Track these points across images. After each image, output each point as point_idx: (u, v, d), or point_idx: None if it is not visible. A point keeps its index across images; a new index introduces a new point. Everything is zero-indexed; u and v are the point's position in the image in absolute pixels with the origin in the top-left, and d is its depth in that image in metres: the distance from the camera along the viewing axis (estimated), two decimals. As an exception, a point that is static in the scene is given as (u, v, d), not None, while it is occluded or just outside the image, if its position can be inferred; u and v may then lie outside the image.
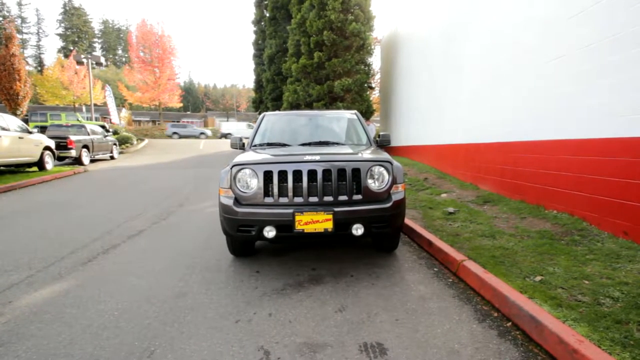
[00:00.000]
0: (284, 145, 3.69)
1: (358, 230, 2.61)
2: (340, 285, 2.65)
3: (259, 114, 21.52)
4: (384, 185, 2.76)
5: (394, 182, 2.79)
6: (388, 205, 2.69)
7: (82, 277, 2.91)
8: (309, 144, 3.65)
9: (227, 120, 53.55)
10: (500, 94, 5.54)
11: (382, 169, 2.78)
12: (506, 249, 3.20)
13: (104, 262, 3.30)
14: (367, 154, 2.94)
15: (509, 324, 2.06)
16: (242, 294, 2.55)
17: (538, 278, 2.57)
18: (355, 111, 4.34)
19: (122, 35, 70.21)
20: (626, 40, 3.24)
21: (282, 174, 2.68)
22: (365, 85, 14.09)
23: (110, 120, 26.46)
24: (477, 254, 3.05)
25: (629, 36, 3.21)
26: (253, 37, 20.62)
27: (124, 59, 66.15)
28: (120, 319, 2.20)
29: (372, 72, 14.08)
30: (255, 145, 3.80)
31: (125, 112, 37.84)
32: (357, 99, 14.14)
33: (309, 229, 2.55)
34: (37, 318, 2.22)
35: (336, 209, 2.57)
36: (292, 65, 14.29)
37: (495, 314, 2.18)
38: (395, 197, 2.76)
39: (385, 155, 2.91)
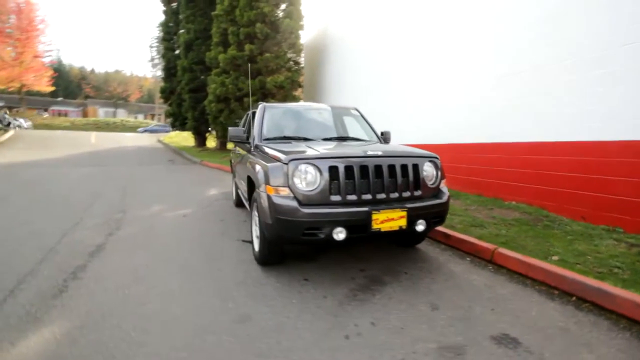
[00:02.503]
0: (305, 139, 3.40)
1: (420, 226, 2.60)
2: (406, 284, 2.60)
3: (170, 105, 19.22)
4: (436, 181, 2.82)
5: (442, 177, 2.87)
6: (444, 200, 2.76)
7: (75, 315, 2.13)
8: (331, 139, 3.46)
9: (115, 111, 46.27)
10: (454, 103, 6.25)
11: (432, 164, 2.83)
12: (505, 236, 3.64)
13: (88, 288, 2.49)
14: (414, 150, 2.94)
15: (574, 298, 2.36)
16: (316, 306, 2.25)
17: (555, 257, 3.01)
18: (355, 107, 4.30)
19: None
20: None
21: (348, 170, 2.47)
22: (296, 83, 14.05)
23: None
24: (487, 241, 3.39)
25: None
26: (162, 17, 18.25)
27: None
28: None
29: (301, 71, 14.11)
30: (268, 139, 3.39)
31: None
32: (289, 96, 14.00)
33: (385, 227, 2.42)
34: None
35: (408, 206, 2.51)
36: (218, 55, 13.23)
37: (556, 292, 2.46)
38: (446, 192, 2.85)
39: (428, 152, 2.97)
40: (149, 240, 3.69)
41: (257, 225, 3.02)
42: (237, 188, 5.09)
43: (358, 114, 4.19)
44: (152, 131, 31.65)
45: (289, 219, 2.35)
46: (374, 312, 2.16)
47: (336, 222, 2.35)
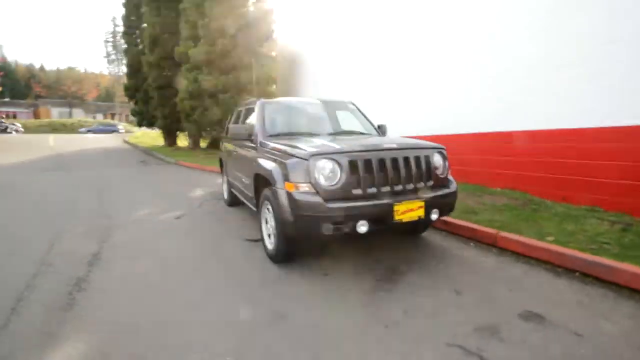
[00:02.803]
0: (311, 134, 3.39)
1: (434, 215, 2.70)
2: (423, 271, 2.69)
3: (136, 103, 18.24)
4: (444, 171, 2.93)
5: (449, 167, 2.99)
6: (454, 189, 2.88)
7: (97, 328, 2.01)
8: (336, 134, 3.48)
9: (70, 111, 43.28)
10: (436, 95, 6.45)
11: (440, 155, 2.93)
12: (499, 221, 3.85)
13: (99, 299, 2.36)
14: (423, 142, 3.03)
15: (577, 274, 2.57)
16: (345, 299, 2.29)
17: (550, 238, 3.24)
18: (351, 100, 4.34)
19: None
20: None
21: (367, 163, 2.50)
22: (272, 79, 13.84)
23: None
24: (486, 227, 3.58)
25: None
26: (122, 10, 17.20)
27: None
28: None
29: (277, 66, 13.91)
30: (272, 136, 3.34)
31: None
32: (265, 92, 13.77)
33: (405, 218, 2.49)
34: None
35: (425, 196, 2.59)
36: (188, 50, 12.73)
37: (560, 269, 2.66)
38: (454, 181, 2.97)
39: (435, 143, 3.06)
40: (148, 245, 3.53)
41: (269, 223, 3.00)
42: (230, 187, 4.98)
43: (354, 107, 4.24)
44: (97, 131, 29.48)
45: (314, 215, 2.35)
46: (403, 301, 2.23)
47: (360, 215, 2.38)
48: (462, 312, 2.08)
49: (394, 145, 2.65)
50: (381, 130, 4.01)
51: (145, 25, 15.32)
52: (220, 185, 7.54)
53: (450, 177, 3.01)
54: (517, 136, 4.90)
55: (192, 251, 3.33)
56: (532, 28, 4.64)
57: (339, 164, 2.44)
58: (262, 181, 3.16)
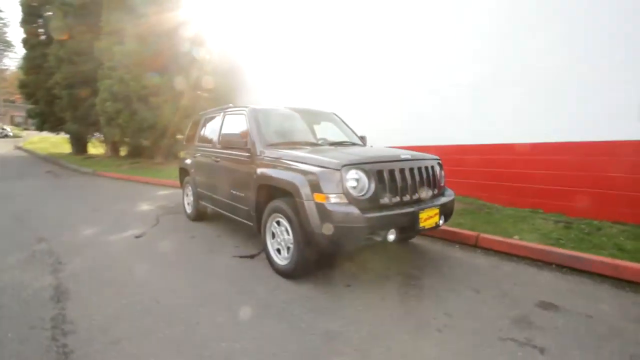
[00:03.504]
0: (313, 144, 3.34)
1: (441, 220, 2.91)
2: (435, 276, 2.84)
3: (36, 103, 15.30)
4: (443, 180, 3.18)
5: (444, 176, 3.26)
6: (453, 196, 3.13)
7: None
8: (338, 144, 3.50)
9: None
10: (389, 109, 6.93)
11: (439, 165, 3.18)
12: (464, 224, 4.31)
13: (98, 342, 1.96)
14: (423, 153, 3.22)
15: (553, 265, 3.03)
16: (384, 308, 2.30)
17: (516, 237, 3.75)
18: (333, 111, 4.39)
19: None
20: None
21: (392, 173, 2.58)
22: (210, 82, 13.13)
23: None
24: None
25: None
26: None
27: None
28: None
29: (214, 70, 13.25)
30: (272, 145, 3.19)
31: None
32: (203, 97, 12.99)
33: (427, 224, 2.62)
34: None
35: (438, 203, 2.77)
36: (112, 47, 11.32)
37: (539, 263, 3.10)
38: (449, 189, 3.24)
39: (432, 155, 3.29)
40: (121, 271, 3.01)
41: (278, 237, 2.85)
42: (199, 199, 4.56)
43: (338, 118, 4.31)
44: None
45: (351, 226, 2.32)
46: (439, 304, 2.34)
47: (392, 224, 2.44)
48: (492, 309, 2.28)
49: (409, 156, 2.79)
50: (363, 140, 4.16)
51: (51, 13, 13.15)
52: (169, 198, 6.83)
53: (445, 186, 3.28)
54: (467, 149, 5.56)
55: (184, 274, 2.95)
56: (481, 50, 5.36)
57: (368, 174, 2.47)
58: (268, 193, 2.99)
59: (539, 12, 4.65)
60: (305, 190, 2.46)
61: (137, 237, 4.08)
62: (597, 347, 1.85)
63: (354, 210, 2.33)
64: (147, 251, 3.58)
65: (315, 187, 2.42)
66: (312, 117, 4.12)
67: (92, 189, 8.24)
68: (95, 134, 14.55)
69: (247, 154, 3.30)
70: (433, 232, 4.00)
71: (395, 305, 2.34)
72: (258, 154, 3.15)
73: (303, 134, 3.69)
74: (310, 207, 2.42)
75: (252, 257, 3.35)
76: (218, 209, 4.05)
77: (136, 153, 16.09)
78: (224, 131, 3.94)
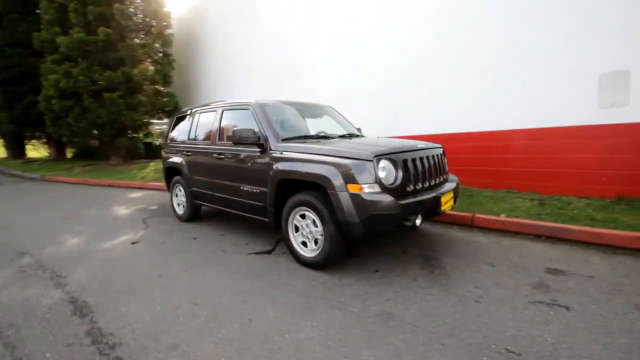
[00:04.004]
0: (325, 137, 3.40)
1: (454, 203, 3.15)
2: (450, 255, 3.07)
3: None
4: (447, 166, 3.42)
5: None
6: (457, 181, 3.39)
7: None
8: (347, 136, 3.60)
9: None
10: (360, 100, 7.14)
11: (443, 153, 3.41)
12: (455, 207, 4.67)
13: None
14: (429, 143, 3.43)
15: (543, 237, 3.43)
16: (421, 287, 2.47)
17: (503, 215, 4.16)
18: (330, 105, 4.45)
19: None
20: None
21: (413, 162, 2.74)
22: (168, 78, 12.38)
23: None
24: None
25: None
26: None
27: None
28: None
29: (173, 65, 12.48)
30: (286, 139, 3.19)
31: None
32: (162, 92, 12.26)
33: (446, 208, 2.84)
34: None
35: (452, 188, 2.99)
36: (56, 37, 10.21)
37: (530, 236, 3.49)
38: (452, 175, 3.50)
39: (437, 144, 3.51)
40: (136, 279, 2.85)
41: (302, 230, 2.90)
42: (193, 199, 4.39)
43: (335, 111, 4.39)
44: None
45: (387, 214, 2.44)
46: (467, 280, 2.56)
47: (421, 209, 2.60)
48: (511, 278, 2.55)
49: (423, 146, 2.98)
50: (360, 132, 4.29)
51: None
52: (145, 200, 6.44)
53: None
54: (442, 138, 5.95)
55: (202, 274, 2.88)
56: (451, 44, 5.73)
57: (395, 164, 2.61)
58: (287, 187, 3.01)
59: (506, 11, 5.09)
60: (338, 182, 2.53)
61: (133, 242, 3.85)
62: (608, 300, 2.19)
63: (389, 198, 2.46)
64: (152, 256, 3.40)
65: (349, 178, 2.50)
66: (313, 110, 4.15)
67: (50, 196, 7.48)
68: (36, 135, 13.04)
69: (259, 150, 3.26)
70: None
71: (429, 283, 2.52)
72: (272, 148, 3.14)
73: (310, 127, 3.73)
74: (344, 198, 2.50)
75: (269, 252, 3.35)
76: (220, 208, 3.95)
77: (85, 154, 14.77)
78: (224, 127, 3.84)
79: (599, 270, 2.63)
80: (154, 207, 5.71)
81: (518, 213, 4.07)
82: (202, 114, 4.34)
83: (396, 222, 2.50)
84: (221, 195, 3.83)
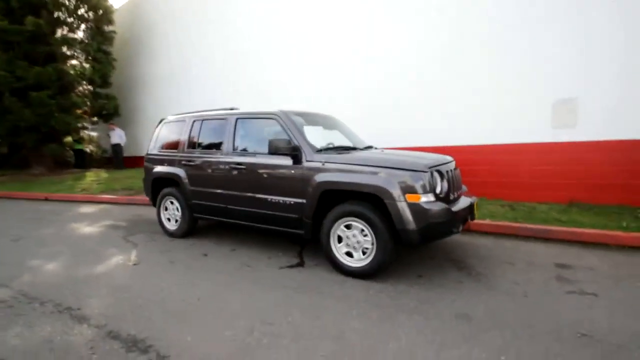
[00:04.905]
0: (354, 148, 3.49)
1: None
2: (474, 259, 3.35)
3: None
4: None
5: (456, 174, 3.88)
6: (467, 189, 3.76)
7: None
8: (373, 148, 3.78)
9: None
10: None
11: (454, 165, 3.77)
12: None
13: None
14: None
15: (531, 238, 3.98)
16: (472, 289, 2.69)
17: (488, 219, 4.71)
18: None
19: None
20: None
21: (449, 174, 2.98)
22: (107, 78, 11.11)
23: None
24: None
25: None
26: None
27: None
28: None
29: (114, 64, 11.23)
30: (320, 151, 3.20)
31: None
32: (100, 94, 10.95)
33: (476, 215, 3.13)
34: None
35: (474, 196, 3.33)
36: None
37: (522, 237, 4.02)
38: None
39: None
40: (174, 303, 2.56)
41: (346, 241, 2.93)
42: (193, 212, 4.06)
43: (342, 122, 4.50)
44: None
45: (442, 221, 2.62)
46: (500, 278, 2.86)
47: (464, 216, 2.85)
48: (535, 274, 2.93)
49: (450, 158, 3.27)
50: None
51: None
52: (109, 215, 5.66)
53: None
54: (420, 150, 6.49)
55: (246, 293, 2.70)
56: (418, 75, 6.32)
57: (441, 175, 2.83)
58: (330, 198, 3.01)
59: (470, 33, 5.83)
60: (396, 192, 2.64)
61: (134, 264, 3.40)
62: (622, 284, 2.68)
63: (444, 206, 2.66)
64: (168, 277, 3.05)
65: (408, 189, 2.63)
66: (328, 121, 4.17)
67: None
68: None
69: (291, 161, 3.20)
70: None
71: (475, 284, 2.76)
72: (309, 159, 3.12)
73: (345, 138, 3.80)
74: (403, 207, 2.62)
75: (300, 265, 3.28)
76: (232, 221, 3.73)
77: (6, 163, 12.30)
78: (241, 137, 3.67)
79: (595, 263, 3.18)
80: (125, 225, 5.07)
81: (498, 217, 4.65)
82: (204, 122, 4.06)
83: (449, 229, 2.71)
84: (237, 207, 3.62)
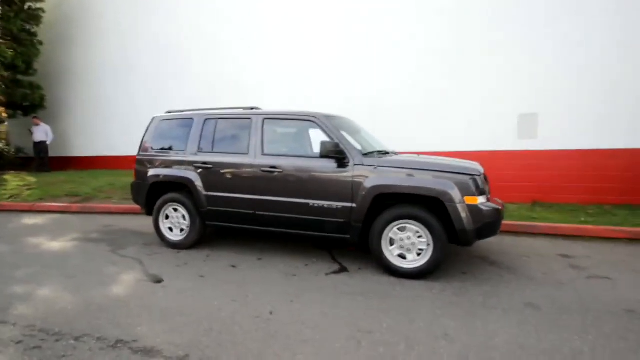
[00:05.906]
0: (386, 153, 3.57)
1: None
2: (506, 257, 3.69)
3: None
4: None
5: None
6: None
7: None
8: (389, 153, 3.86)
9: None
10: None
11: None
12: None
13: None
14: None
15: (525, 234, 4.54)
16: (518, 285, 2.96)
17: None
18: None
19: None
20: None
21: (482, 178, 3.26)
22: (32, 64, 9.35)
23: None
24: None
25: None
26: None
27: None
28: None
29: (39, 48, 9.43)
30: (366, 154, 3.21)
31: None
32: (22, 82, 9.17)
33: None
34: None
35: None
36: None
37: (519, 234, 4.55)
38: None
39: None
40: (249, 323, 2.31)
41: (398, 243, 3.00)
42: (205, 220, 3.69)
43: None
44: None
45: (495, 221, 2.86)
46: (529, 269, 3.20)
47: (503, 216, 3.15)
48: (550, 265, 3.36)
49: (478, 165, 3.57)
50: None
51: None
52: (66, 226, 4.82)
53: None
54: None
55: (315, 308, 2.57)
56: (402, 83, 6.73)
57: (486, 178, 3.08)
58: (378, 201, 3.05)
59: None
60: (456, 194, 2.79)
61: (156, 282, 2.96)
62: (619, 268, 3.23)
63: (495, 207, 2.90)
64: (210, 294, 2.72)
65: (467, 191, 2.81)
66: (349, 124, 4.11)
67: None
68: None
69: (335, 164, 3.15)
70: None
71: (515, 277, 3.04)
72: (357, 163, 3.10)
73: (368, 141, 3.81)
74: (463, 209, 2.78)
75: (345, 270, 3.22)
76: (264, 228, 3.49)
77: None
78: (272, 138, 3.48)
79: (586, 253, 3.77)
80: (97, 236, 4.35)
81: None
82: (220, 121, 3.73)
83: (499, 227, 2.96)
84: (268, 213, 3.40)
